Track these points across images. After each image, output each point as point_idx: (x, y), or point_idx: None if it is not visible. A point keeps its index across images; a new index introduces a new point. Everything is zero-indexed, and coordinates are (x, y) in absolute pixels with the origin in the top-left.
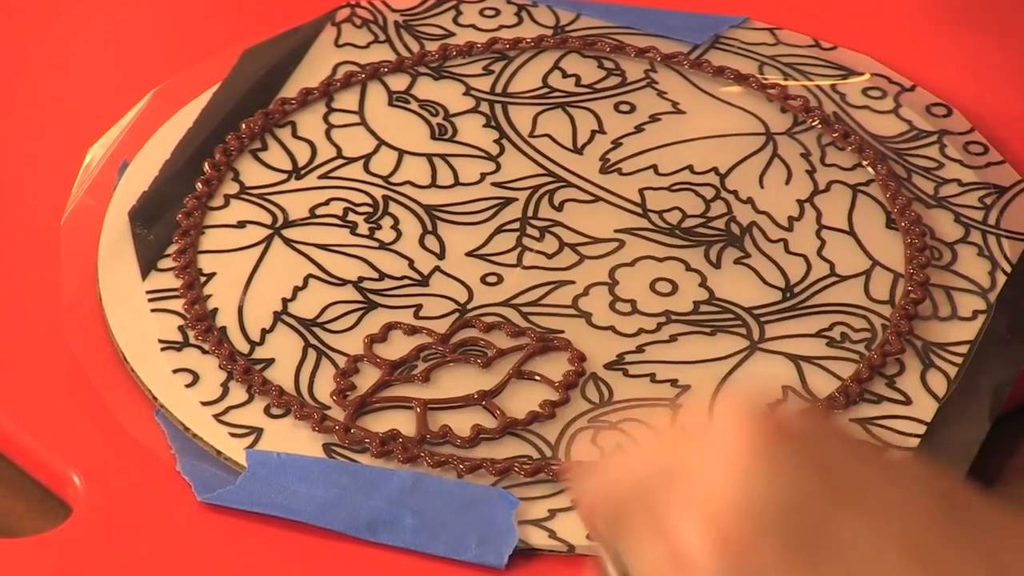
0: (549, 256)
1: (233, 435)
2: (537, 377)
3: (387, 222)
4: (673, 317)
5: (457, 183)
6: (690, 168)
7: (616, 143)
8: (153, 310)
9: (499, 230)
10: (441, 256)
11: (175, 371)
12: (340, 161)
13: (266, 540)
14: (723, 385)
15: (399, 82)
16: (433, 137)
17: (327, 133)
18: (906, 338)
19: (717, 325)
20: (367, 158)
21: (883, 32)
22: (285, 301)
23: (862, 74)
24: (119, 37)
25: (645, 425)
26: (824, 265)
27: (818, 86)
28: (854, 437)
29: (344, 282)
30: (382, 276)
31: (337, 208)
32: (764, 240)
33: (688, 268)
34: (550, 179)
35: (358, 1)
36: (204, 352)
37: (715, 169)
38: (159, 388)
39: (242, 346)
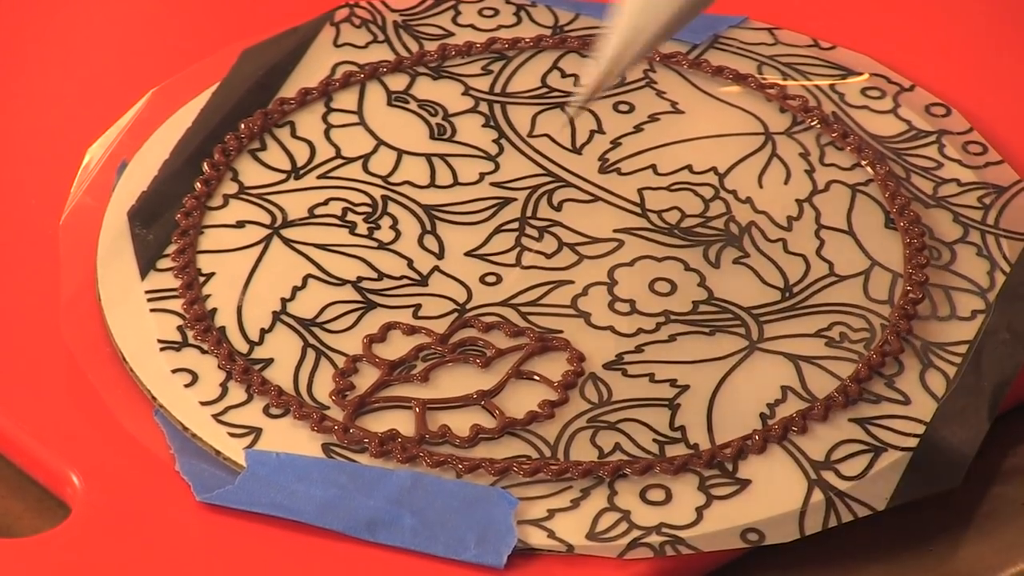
0: (548, 256)
1: (232, 435)
2: (536, 377)
3: (386, 222)
4: (672, 317)
5: (456, 183)
6: (689, 168)
7: (615, 143)
8: (152, 310)
9: (498, 230)
10: (440, 256)
11: (174, 371)
12: (339, 161)
13: (265, 540)
14: (722, 385)
15: (398, 82)
16: (432, 137)
17: (326, 133)
18: (905, 338)
19: (716, 325)
20: (366, 158)
21: (882, 32)
22: (284, 301)
23: (861, 74)
24: (118, 37)
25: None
26: (823, 265)
27: (817, 86)
28: None
29: (343, 282)
30: (381, 276)
31: (336, 208)
32: (763, 240)
33: (687, 268)
34: (549, 179)
35: (357, 1)
36: (203, 352)
37: (714, 169)
38: (158, 388)
39: (241, 346)
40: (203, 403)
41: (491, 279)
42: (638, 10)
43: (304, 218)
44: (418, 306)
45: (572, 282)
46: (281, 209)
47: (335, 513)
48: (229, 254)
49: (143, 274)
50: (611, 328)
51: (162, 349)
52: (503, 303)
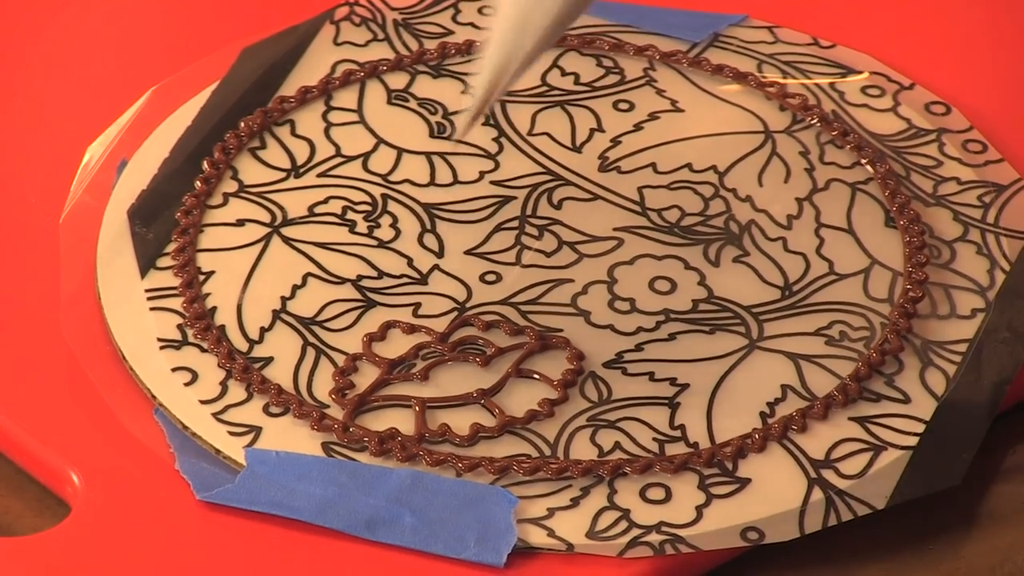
0: (548, 254)
1: (232, 433)
2: (536, 376)
3: (386, 220)
4: (672, 315)
5: (456, 181)
6: (689, 166)
7: (615, 141)
8: (152, 308)
9: (498, 228)
10: (440, 254)
11: (174, 369)
12: (339, 159)
13: (265, 539)
14: (722, 383)
15: (398, 80)
16: (432, 135)
17: (326, 131)
18: (905, 336)
19: (716, 323)
20: (366, 156)
21: (882, 30)
22: (284, 299)
23: (861, 72)
24: (118, 35)
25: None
26: (823, 263)
27: (817, 84)
28: None
29: (343, 280)
30: (381, 275)
31: (336, 206)
32: (763, 238)
33: (687, 266)
34: (549, 177)
35: None
36: (203, 350)
37: (714, 167)
38: (158, 386)
39: (241, 344)
40: (203, 402)
41: (491, 278)
42: (515, 25)
43: (304, 216)
44: (418, 305)
45: (572, 280)
46: (281, 207)
47: (335, 512)
48: (229, 252)
49: (143, 273)
50: (611, 327)
51: (162, 348)
52: (503, 302)
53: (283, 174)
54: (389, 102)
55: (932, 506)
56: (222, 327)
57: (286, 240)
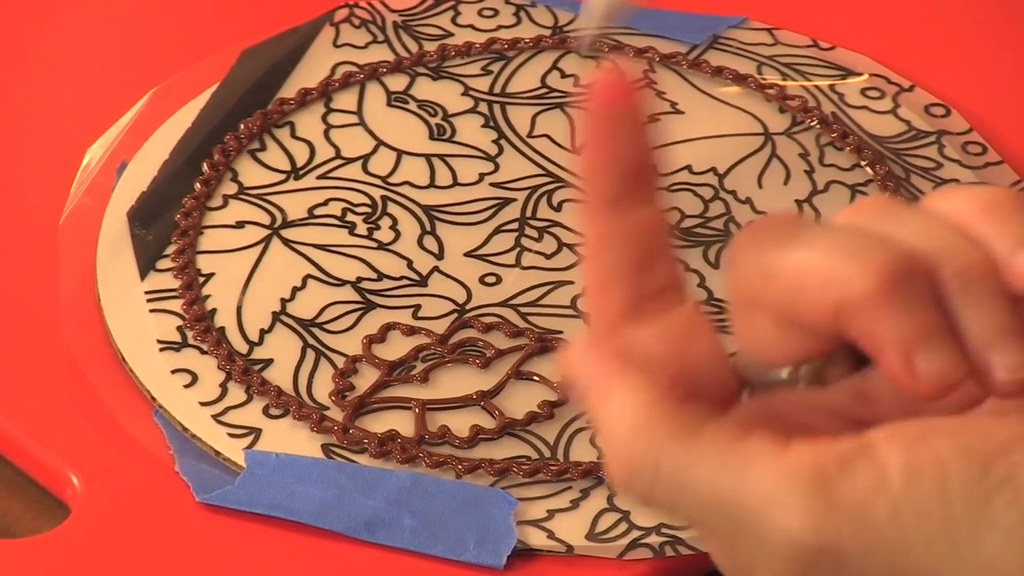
0: (548, 256)
1: (232, 435)
2: (536, 377)
3: (386, 222)
4: None
5: (456, 183)
6: (688, 168)
7: None
8: (152, 310)
9: (498, 230)
10: (440, 256)
11: (174, 371)
12: (339, 161)
13: (265, 540)
14: None
15: (398, 82)
16: (432, 137)
17: (326, 133)
18: None
19: (715, 325)
20: (366, 158)
21: (882, 32)
22: (284, 301)
23: (860, 74)
24: (117, 37)
25: None
26: None
27: (816, 86)
28: None
29: (343, 282)
30: (381, 276)
31: (336, 208)
32: None
33: (686, 268)
34: (549, 179)
35: (356, 1)
36: (203, 352)
37: (713, 169)
38: (158, 388)
39: (241, 346)
40: (203, 403)
41: (491, 279)
42: None
43: (304, 218)
44: (418, 306)
45: (572, 282)
46: (281, 209)
47: (335, 513)
48: (229, 254)
49: (143, 274)
50: None
51: (162, 349)
52: (503, 303)
53: (283, 176)
54: (389, 104)
55: None
56: (222, 329)
57: (286, 242)
